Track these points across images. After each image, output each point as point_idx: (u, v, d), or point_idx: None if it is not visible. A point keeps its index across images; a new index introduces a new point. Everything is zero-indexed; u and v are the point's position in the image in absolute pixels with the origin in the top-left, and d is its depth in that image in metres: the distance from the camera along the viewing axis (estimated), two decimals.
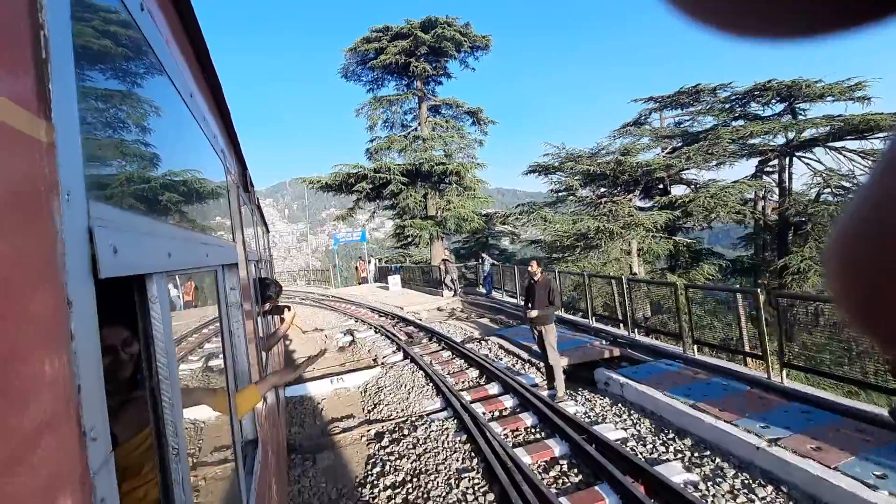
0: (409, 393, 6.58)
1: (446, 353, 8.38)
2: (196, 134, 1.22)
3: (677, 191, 17.75)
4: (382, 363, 8.22)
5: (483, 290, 15.19)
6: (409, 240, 23.02)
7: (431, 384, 6.66)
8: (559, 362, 5.99)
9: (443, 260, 16.32)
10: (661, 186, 18.07)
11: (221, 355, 1.33)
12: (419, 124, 23.45)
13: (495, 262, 15.86)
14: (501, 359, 7.98)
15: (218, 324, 1.33)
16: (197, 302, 1.30)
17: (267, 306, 3.10)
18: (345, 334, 11.05)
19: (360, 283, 24.16)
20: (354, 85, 23.90)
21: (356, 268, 25.39)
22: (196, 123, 1.20)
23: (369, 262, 24.85)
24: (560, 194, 20.03)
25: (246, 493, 1.30)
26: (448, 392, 6.04)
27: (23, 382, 0.34)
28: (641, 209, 17.78)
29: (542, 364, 6.57)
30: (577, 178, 18.91)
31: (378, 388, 7.00)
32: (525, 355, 7.83)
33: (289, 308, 3.15)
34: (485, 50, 22.79)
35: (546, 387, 6.26)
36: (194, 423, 1.20)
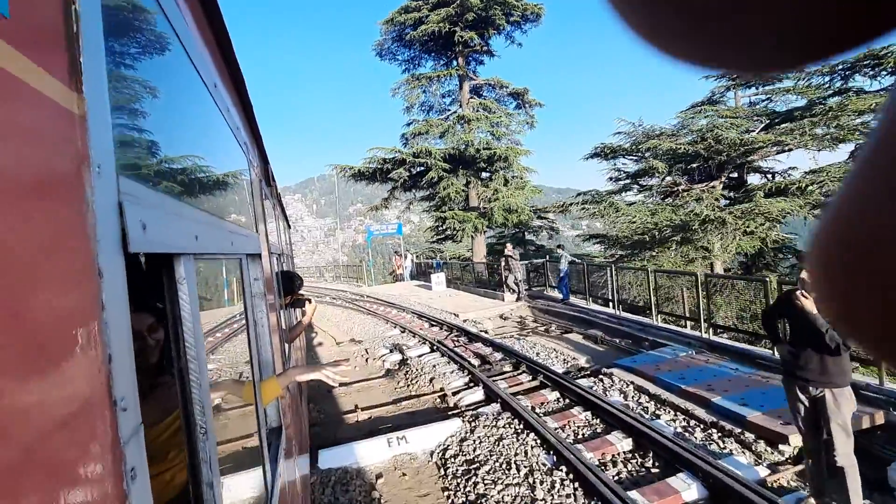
0: (527, 477, 3.93)
1: (551, 394, 5.68)
2: (220, 124, 1.24)
3: (752, 179, 15.38)
4: (457, 407, 5.69)
5: (558, 294, 12.22)
6: (448, 234, 21.15)
7: (564, 467, 3.96)
8: (854, 462, 3.10)
9: (505, 256, 13.03)
10: (734, 175, 15.50)
11: (246, 345, 1.35)
12: (460, 106, 20.72)
13: (576, 260, 12.36)
14: (655, 413, 5.00)
15: (243, 313, 1.35)
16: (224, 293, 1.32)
17: (289, 299, 3.15)
18: (391, 350, 8.52)
19: (395, 281, 22.42)
20: (389, 64, 21.85)
21: (395, 265, 23.34)
22: (220, 114, 1.22)
23: (405, 257, 22.88)
24: (625, 182, 17.26)
25: (271, 479, 1.32)
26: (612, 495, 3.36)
27: (57, 350, 0.34)
28: (727, 199, 15.18)
29: (745, 435, 4.16)
30: (658, 159, 15.23)
31: (465, 458, 4.38)
32: (700, 411, 4.78)
33: (310, 301, 3.20)
34: (535, 22, 19.92)
35: (811, 497, 3.36)
36: (221, 410, 1.22)
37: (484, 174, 20.75)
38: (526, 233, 22.50)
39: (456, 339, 9.03)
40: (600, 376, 6.16)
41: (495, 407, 5.43)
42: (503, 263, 13.09)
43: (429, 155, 19.48)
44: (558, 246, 14.67)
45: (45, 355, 0.33)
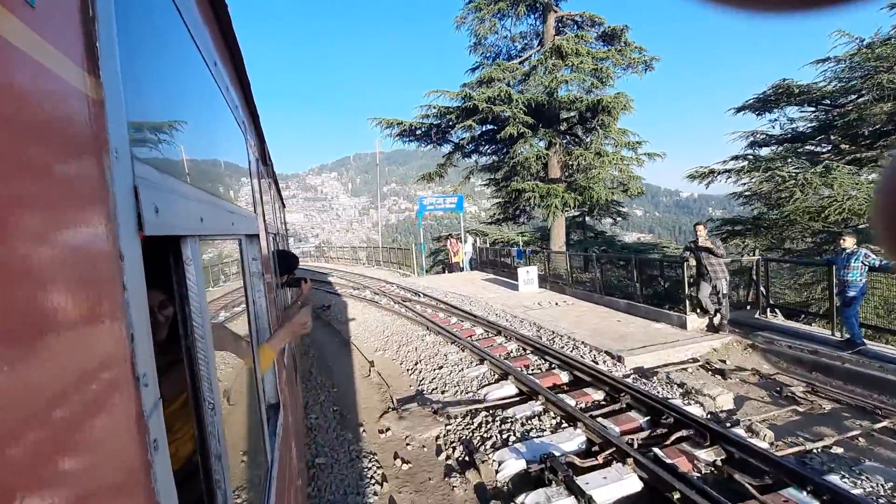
0: None
1: None
2: (220, 103, 1.23)
3: None
4: None
5: (820, 330, 6.73)
6: (515, 213, 17.27)
7: None
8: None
9: (696, 246, 7.12)
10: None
11: (245, 323, 1.37)
12: (540, 45, 15.92)
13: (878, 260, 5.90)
14: None
15: (242, 292, 1.37)
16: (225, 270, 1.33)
17: (284, 278, 3.17)
18: (518, 456, 3.85)
19: (447, 271, 17.49)
20: None
21: (450, 250, 17.70)
22: (220, 92, 1.21)
23: (465, 240, 17.82)
24: (779, 148, 12.51)
25: (270, 452, 1.36)
26: None
27: (85, 330, 0.36)
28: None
29: None
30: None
31: None
32: None
33: (305, 280, 3.22)
34: None
35: None
36: (222, 387, 1.25)
37: (573, 134, 16.42)
38: (586, 216, 17.96)
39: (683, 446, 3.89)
40: None
41: None
42: (692, 259, 7.37)
43: (508, 101, 14.56)
44: (846, 229, 8.43)
45: (76, 335, 0.35)
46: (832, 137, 11.81)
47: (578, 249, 16.15)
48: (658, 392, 5.09)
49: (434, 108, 16.17)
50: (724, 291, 6.93)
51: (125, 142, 0.46)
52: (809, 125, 12.45)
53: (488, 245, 18.34)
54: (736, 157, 12.84)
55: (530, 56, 16.27)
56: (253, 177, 1.88)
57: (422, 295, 11.82)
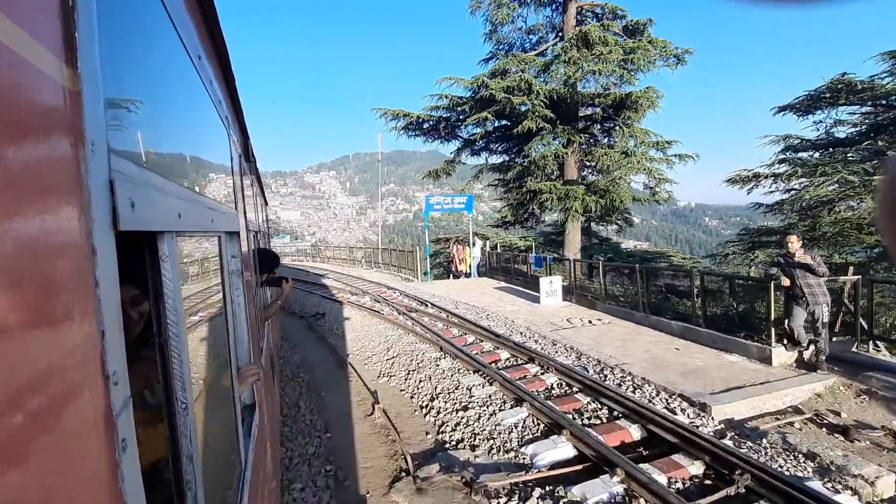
0: None
1: None
2: (203, 98, 1.21)
3: None
4: None
5: None
6: (524, 216, 16.28)
7: None
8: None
9: (794, 263, 5.68)
10: None
11: (223, 322, 1.35)
12: (560, 39, 14.67)
13: None
14: None
15: (220, 291, 1.35)
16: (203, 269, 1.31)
17: (265, 277, 3.12)
18: None
19: (452, 276, 16.27)
20: None
21: (455, 255, 16.51)
22: (203, 87, 1.19)
23: (474, 244, 16.29)
24: (815, 154, 11.82)
25: (244, 454, 1.34)
26: None
27: (54, 326, 0.35)
28: None
29: None
30: None
31: None
32: None
33: (287, 280, 3.17)
34: None
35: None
36: (197, 385, 1.23)
37: (593, 131, 15.24)
38: (591, 222, 16.87)
39: None
40: None
41: None
42: (784, 278, 5.90)
43: (528, 92, 13.35)
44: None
45: (43, 331, 0.34)
46: (880, 143, 10.73)
47: (583, 256, 15.38)
48: (778, 465, 3.67)
49: (446, 97, 14.90)
50: (825, 319, 5.61)
51: (102, 135, 0.45)
52: (853, 129, 11.54)
53: (498, 249, 16.81)
54: (782, 161, 11.87)
55: (548, 48, 15.24)
56: (235, 173, 1.85)
57: (429, 305, 10.50)
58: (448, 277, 16.61)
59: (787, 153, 12.39)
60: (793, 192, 11.05)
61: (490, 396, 5.15)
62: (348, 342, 8.10)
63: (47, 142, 0.36)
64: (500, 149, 16.31)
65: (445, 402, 5.12)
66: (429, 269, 16.25)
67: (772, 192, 11.68)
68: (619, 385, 5.38)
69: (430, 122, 15.75)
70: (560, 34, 15.00)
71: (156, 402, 1.00)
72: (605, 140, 15.13)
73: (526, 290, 11.87)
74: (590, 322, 8.54)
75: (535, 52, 15.48)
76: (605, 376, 5.72)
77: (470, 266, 15.87)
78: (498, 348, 6.94)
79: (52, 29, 0.38)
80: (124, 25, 0.61)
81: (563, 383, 5.52)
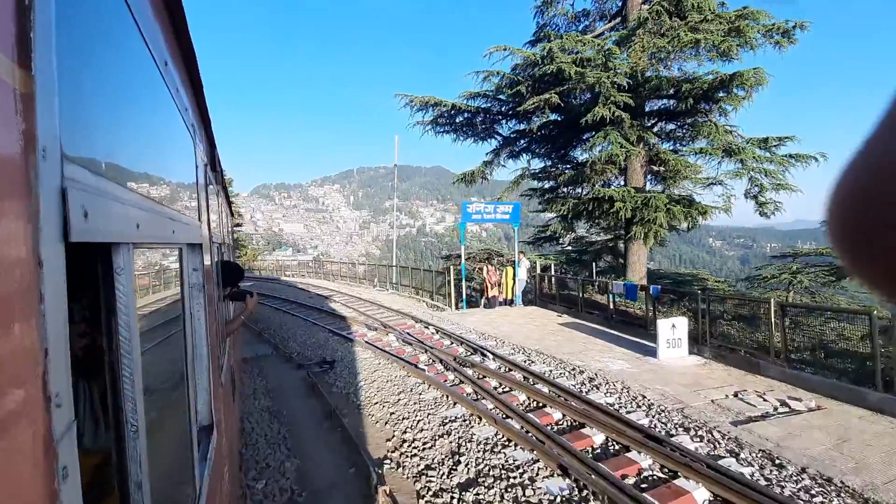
0: None
1: None
2: (168, 104, 1.17)
3: None
4: None
5: None
6: (568, 228, 13.71)
7: None
8: None
9: None
10: None
11: (181, 337, 1.28)
12: (622, 21, 12.14)
13: None
14: None
15: (179, 305, 1.29)
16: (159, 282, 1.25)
17: (228, 291, 3.01)
18: None
19: (487, 305, 13.24)
20: None
21: (487, 278, 13.50)
22: (169, 93, 1.15)
23: (519, 263, 13.10)
24: None
25: (199, 479, 1.26)
26: None
27: None
28: None
29: None
30: None
31: None
32: None
33: (251, 295, 3.07)
34: None
35: None
36: (150, 406, 1.16)
37: (671, 128, 12.33)
38: (653, 240, 13.60)
39: None
40: None
41: None
42: None
43: (604, 67, 10.53)
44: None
45: None
46: None
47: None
48: None
49: (498, 74, 12.04)
50: None
51: (55, 140, 0.43)
52: None
53: (551, 270, 13.43)
54: None
55: (605, 30, 12.42)
56: (200, 183, 1.79)
57: (489, 354, 7.39)
58: (479, 305, 13.92)
59: None
60: None
61: None
62: (376, 424, 5.13)
63: None
64: (542, 151, 13.64)
65: None
66: (464, 297, 13.42)
67: None
68: None
69: (467, 115, 13.08)
70: (619, 16, 12.31)
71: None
72: (669, 143, 12.44)
73: (611, 332, 8.92)
74: (791, 409, 5.07)
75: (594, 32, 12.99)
76: None
77: (513, 291, 12.97)
78: (645, 455, 3.94)
79: (5, 28, 0.36)
80: (85, 27, 0.59)
81: None
